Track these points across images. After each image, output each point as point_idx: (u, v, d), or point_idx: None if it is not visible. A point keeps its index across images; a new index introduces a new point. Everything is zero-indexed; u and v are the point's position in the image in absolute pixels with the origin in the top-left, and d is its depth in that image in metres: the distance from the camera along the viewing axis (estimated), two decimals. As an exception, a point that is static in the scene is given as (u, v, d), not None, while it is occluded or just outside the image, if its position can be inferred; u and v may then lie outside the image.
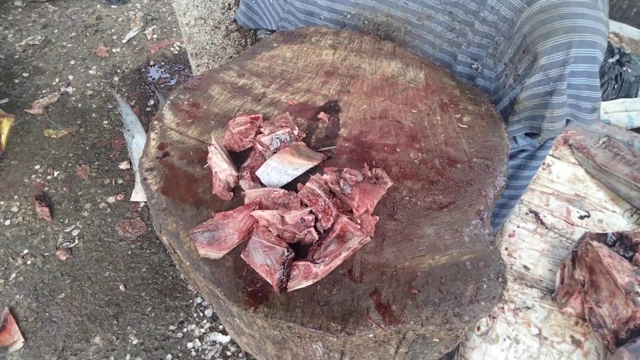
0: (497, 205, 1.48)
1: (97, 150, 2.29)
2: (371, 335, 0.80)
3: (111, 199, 2.08)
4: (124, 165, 2.21)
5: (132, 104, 2.52)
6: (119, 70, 2.74)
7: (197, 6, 1.89)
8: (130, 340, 1.66)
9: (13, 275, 1.83)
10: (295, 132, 1.03)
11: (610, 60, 1.98)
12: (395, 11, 1.33)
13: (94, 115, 2.47)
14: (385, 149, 1.04)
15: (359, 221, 0.88)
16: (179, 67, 2.76)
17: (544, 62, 1.03)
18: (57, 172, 2.19)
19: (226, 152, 1.02)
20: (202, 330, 1.70)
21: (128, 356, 1.63)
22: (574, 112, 1.09)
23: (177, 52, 2.87)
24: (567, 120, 1.13)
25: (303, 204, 0.88)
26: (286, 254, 0.83)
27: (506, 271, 1.39)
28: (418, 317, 0.80)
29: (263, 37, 1.75)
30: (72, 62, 2.80)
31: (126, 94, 2.58)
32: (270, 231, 0.87)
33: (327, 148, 1.05)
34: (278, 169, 0.96)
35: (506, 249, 1.45)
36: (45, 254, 1.90)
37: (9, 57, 2.81)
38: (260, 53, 1.30)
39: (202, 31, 2.00)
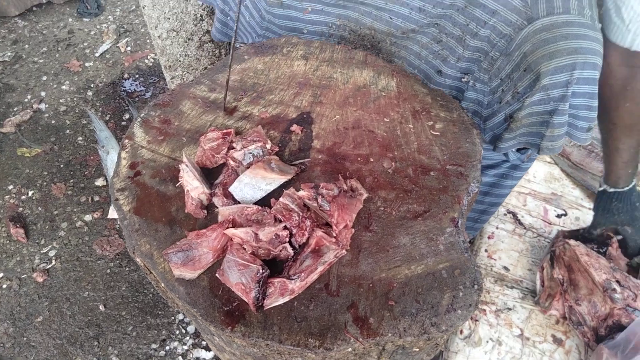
0: (478, 211, 1.49)
1: (72, 167, 2.25)
2: (350, 349, 0.80)
3: (88, 217, 2.04)
4: (100, 182, 2.17)
5: (107, 118, 2.48)
6: (92, 85, 2.70)
7: (169, 18, 1.88)
8: (112, 361, 1.64)
9: (-12, 300, 1.79)
10: (268, 146, 1.03)
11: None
12: (379, 25, 1.32)
13: (68, 131, 2.43)
14: (359, 159, 1.04)
15: (334, 234, 0.88)
16: (154, 80, 2.73)
17: (547, 82, 1.02)
18: (32, 192, 2.15)
19: (198, 169, 1.01)
20: (185, 347, 1.68)
21: (110, 378, 1.60)
22: (570, 130, 1.10)
23: (151, 64, 2.84)
24: None
25: (277, 220, 0.88)
26: (261, 271, 0.82)
27: (487, 273, 1.40)
28: (396, 329, 0.79)
29: (238, 45, 1.74)
30: (44, 77, 2.75)
31: (100, 109, 2.54)
32: (244, 249, 0.86)
33: (300, 161, 1.04)
34: (251, 185, 0.95)
35: (486, 250, 1.46)
36: (22, 277, 1.86)
37: (-22, 75, 2.75)
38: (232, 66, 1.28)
39: (174, 43, 1.98)
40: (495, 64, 1.16)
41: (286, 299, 0.82)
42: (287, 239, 0.86)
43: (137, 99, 2.61)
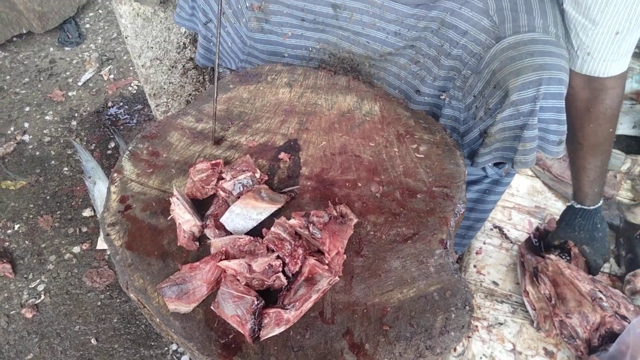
0: (464, 228, 1.51)
1: (59, 198, 2.23)
2: (347, 376, 0.80)
3: (76, 249, 2.02)
4: (87, 213, 2.16)
5: (93, 147, 2.47)
6: (76, 114, 2.70)
7: (152, 47, 1.90)
8: (105, 396, 1.61)
9: (-24, 339, 1.76)
10: (257, 175, 1.04)
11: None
12: (357, 49, 1.35)
13: (53, 162, 2.41)
14: (347, 184, 1.06)
15: (326, 261, 0.89)
16: (139, 107, 2.74)
17: (515, 98, 1.06)
18: (18, 225, 2.12)
19: (189, 201, 1.02)
20: (180, 377, 1.66)
21: (104, 413, 1.57)
22: (542, 144, 1.14)
23: (135, 92, 2.84)
24: None
25: (269, 250, 0.89)
26: (256, 302, 0.83)
27: (477, 289, 1.42)
28: (392, 354, 0.81)
29: (222, 71, 1.76)
30: (27, 108, 2.74)
31: (85, 138, 2.53)
32: (238, 280, 0.87)
33: (290, 188, 1.06)
34: (242, 215, 0.97)
35: (475, 266, 1.49)
36: (10, 313, 1.83)
37: (-41, 109, 2.72)
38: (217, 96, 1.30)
39: (158, 72, 2.00)
40: (468, 82, 1.20)
41: (282, 329, 0.83)
42: (280, 269, 0.87)
43: (122, 127, 2.61)
